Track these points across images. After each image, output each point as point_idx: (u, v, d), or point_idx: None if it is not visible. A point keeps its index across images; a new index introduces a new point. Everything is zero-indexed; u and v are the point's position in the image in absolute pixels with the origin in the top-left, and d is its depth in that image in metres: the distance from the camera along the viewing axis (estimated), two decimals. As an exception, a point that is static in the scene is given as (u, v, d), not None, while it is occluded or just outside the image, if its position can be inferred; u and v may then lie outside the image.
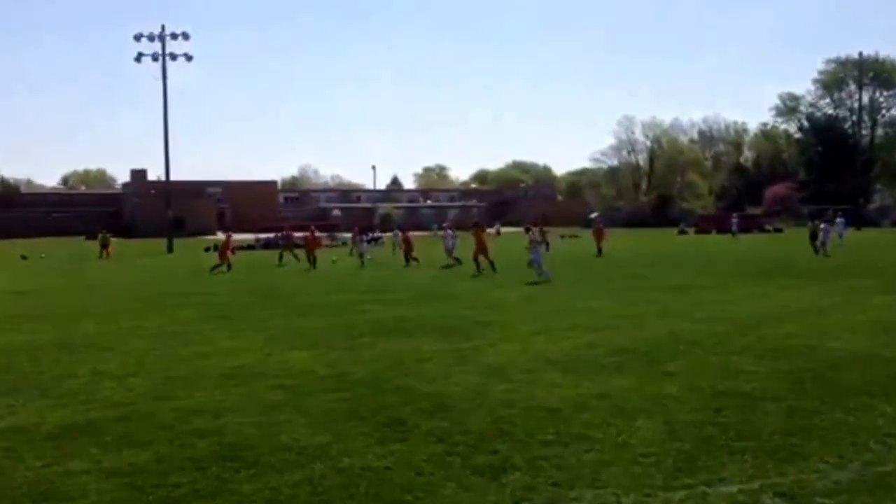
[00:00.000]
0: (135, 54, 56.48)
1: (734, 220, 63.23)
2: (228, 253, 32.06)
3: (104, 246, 45.46)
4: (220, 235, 32.44)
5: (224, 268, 30.91)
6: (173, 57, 56.70)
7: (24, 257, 45.28)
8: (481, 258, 27.53)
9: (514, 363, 10.70)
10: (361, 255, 35.82)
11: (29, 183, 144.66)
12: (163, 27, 56.53)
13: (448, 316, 16.00)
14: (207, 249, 46.81)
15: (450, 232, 34.61)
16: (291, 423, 7.75)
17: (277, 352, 11.94)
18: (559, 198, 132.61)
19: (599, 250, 38.02)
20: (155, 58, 56.44)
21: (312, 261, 33.24)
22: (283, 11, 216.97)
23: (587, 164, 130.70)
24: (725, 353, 11.21)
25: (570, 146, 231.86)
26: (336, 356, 11.43)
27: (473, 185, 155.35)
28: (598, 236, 39.47)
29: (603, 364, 10.56)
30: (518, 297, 19.36)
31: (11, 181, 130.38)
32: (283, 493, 5.93)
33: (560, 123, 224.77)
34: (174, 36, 56.46)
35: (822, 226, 36.34)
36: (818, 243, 35.18)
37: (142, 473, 6.37)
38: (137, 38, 56.24)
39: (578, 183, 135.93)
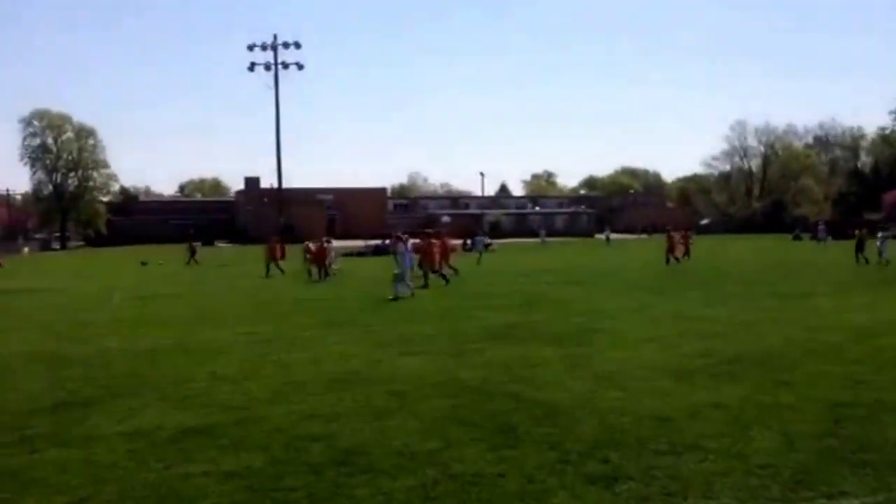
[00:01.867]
0: (248, 64, 58.35)
1: (820, 228, 61.53)
2: (311, 258, 31.97)
3: (192, 253, 47.07)
4: (310, 244, 32.19)
5: (322, 273, 31.02)
6: (285, 66, 58.33)
7: (143, 263, 47.24)
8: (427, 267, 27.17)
9: (626, 370, 10.49)
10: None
11: (147, 191, 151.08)
12: (275, 37, 58.30)
13: (558, 322, 15.86)
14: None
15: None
16: (403, 428, 7.78)
17: (387, 357, 12.04)
18: (669, 204, 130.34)
19: (667, 259, 36.63)
20: (267, 67, 58.18)
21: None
22: (393, 19, 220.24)
23: (698, 170, 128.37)
24: (843, 363, 10.76)
25: (680, 152, 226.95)
26: (445, 362, 11.44)
27: (582, 192, 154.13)
28: (671, 244, 37.77)
29: (716, 372, 10.26)
30: (629, 305, 19.03)
31: (131, 189, 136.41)
32: (396, 498, 5.95)
33: (670, 129, 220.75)
34: (286, 45, 58.12)
35: (879, 234, 35.13)
36: (868, 254, 33.75)
37: (258, 476, 6.49)
38: (251, 47, 58.12)
39: (688, 189, 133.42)
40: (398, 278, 22.61)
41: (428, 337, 14.15)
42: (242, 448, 7.26)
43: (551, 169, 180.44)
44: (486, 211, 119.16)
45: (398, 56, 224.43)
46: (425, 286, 25.18)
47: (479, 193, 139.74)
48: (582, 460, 6.68)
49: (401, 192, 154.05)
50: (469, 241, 74.23)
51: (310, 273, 31.76)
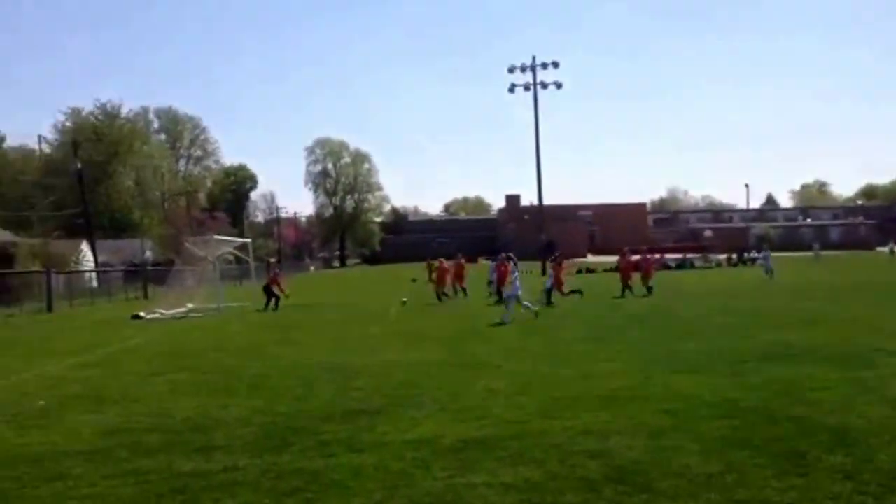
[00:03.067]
0: (508, 85, 59.98)
1: None
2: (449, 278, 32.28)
3: (431, 272, 48.44)
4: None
5: (459, 294, 31.10)
6: (544, 85, 59.22)
7: (413, 280, 49.69)
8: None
9: (928, 396, 9.56)
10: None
11: (416, 211, 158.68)
12: (533, 58, 59.38)
13: (841, 342, 14.72)
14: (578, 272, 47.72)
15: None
16: (681, 449, 7.59)
17: (658, 375, 11.80)
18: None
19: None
20: (527, 87, 59.39)
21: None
22: (646, 35, 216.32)
23: None
24: None
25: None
26: (721, 382, 11.02)
27: (859, 202, 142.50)
28: None
29: None
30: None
31: (401, 209, 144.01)
32: (678, 521, 5.82)
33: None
34: (544, 65, 58.99)
35: None
36: None
37: (537, 490, 6.60)
38: (511, 70, 59.63)
39: None
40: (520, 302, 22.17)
41: (700, 354, 13.70)
42: (520, 461, 7.41)
43: (822, 178, 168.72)
44: (751, 224, 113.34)
45: (653, 69, 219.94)
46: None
47: (743, 206, 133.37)
48: (882, 493, 6.16)
49: (661, 205, 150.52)
50: (734, 256, 71.09)
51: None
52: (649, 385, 11.06)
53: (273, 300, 31.33)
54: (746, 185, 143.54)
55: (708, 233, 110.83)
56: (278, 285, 32.04)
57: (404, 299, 31.22)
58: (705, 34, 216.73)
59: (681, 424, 8.57)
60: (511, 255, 24.72)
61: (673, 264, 66.99)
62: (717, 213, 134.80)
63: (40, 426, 9.75)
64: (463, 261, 34.20)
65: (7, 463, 7.96)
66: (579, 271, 54.61)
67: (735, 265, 68.04)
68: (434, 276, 34.63)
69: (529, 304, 22.36)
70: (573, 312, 23.63)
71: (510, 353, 15.12)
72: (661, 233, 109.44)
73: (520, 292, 22.04)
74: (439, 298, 30.43)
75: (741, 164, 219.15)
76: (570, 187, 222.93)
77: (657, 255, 32.67)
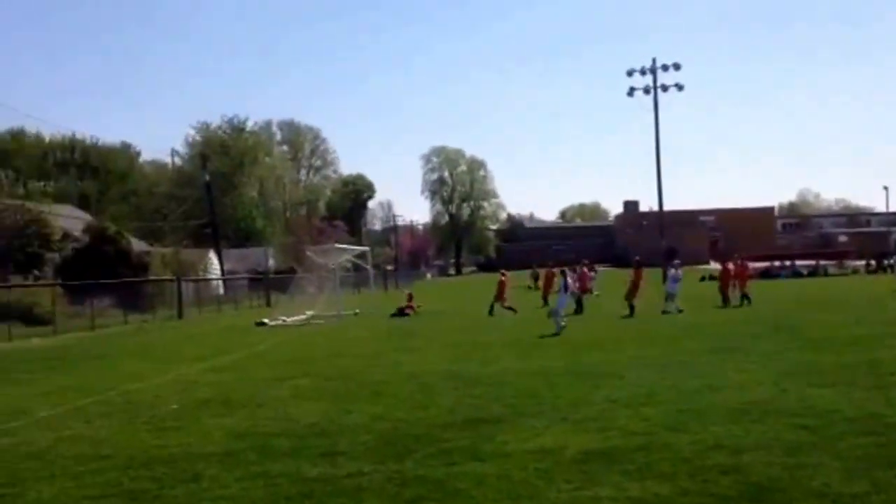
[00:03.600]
0: (627, 89, 58.83)
1: None
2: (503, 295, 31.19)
3: (536, 279, 47.86)
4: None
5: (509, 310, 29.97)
6: (664, 88, 57.87)
7: (529, 287, 49.47)
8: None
9: None
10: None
11: (531, 217, 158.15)
12: (653, 60, 58.06)
13: None
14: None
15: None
16: (822, 466, 7.17)
17: (794, 388, 11.24)
18: None
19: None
20: (647, 90, 58.14)
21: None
22: (772, 29, 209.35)
23: None
24: None
25: None
26: (863, 395, 10.41)
27: None
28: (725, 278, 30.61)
29: None
30: None
31: (517, 217, 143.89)
32: (822, 543, 5.49)
33: None
34: (665, 67, 57.64)
35: None
36: None
37: (668, 506, 6.38)
38: (630, 73, 58.49)
39: None
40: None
41: (838, 367, 13.01)
42: (647, 475, 7.16)
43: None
44: (892, 228, 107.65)
45: (780, 65, 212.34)
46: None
47: (882, 209, 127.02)
48: None
49: (790, 210, 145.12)
50: (872, 263, 67.58)
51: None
52: (784, 398, 10.55)
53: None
54: (885, 188, 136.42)
55: (843, 238, 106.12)
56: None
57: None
58: (836, 26, 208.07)
59: (820, 441, 8.12)
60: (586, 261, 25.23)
61: (804, 271, 64.43)
62: (853, 216, 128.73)
63: (175, 428, 10.11)
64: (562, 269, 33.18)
65: (146, 463, 8.26)
66: (702, 278, 53.12)
67: (874, 272, 64.65)
68: (540, 283, 34.31)
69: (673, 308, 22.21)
70: (695, 323, 22.95)
71: (632, 361, 14.78)
72: (790, 238, 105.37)
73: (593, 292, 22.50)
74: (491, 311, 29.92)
75: (879, 165, 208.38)
76: (690, 192, 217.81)
77: (748, 263, 30.42)
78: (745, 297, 29.58)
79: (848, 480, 6.73)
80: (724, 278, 30.80)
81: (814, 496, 6.40)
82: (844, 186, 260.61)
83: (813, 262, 68.35)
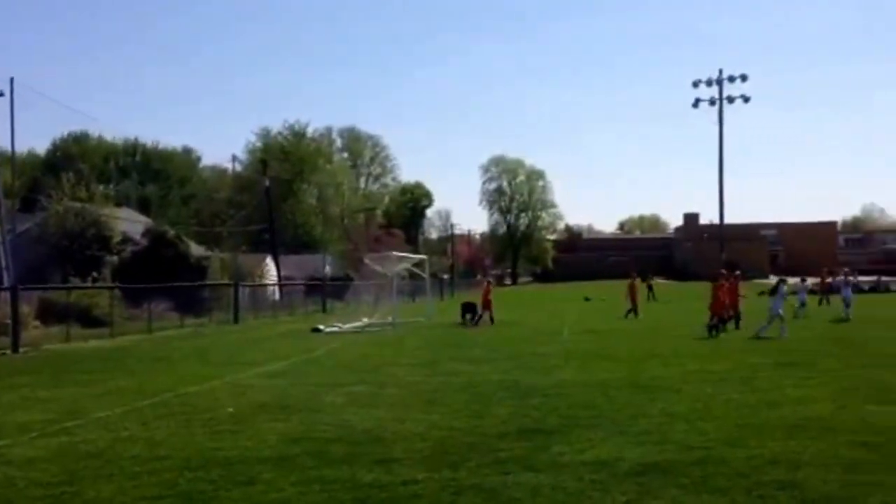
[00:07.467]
0: (692, 100, 58.16)
1: None
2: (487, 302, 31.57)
3: (651, 288, 47.36)
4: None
5: (486, 318, 30.64)
6: (731, 100, 57.08)
7: (587, 299, 49.17)
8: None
9: None
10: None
11: (589, 229, 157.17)
12: (720, 71, 57.33)
13: None
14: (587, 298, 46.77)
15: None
16: (882, 485, 7.04)
17: (853, 405, 11.05)
18: None
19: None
20: (712, 102, 57.41)
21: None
22: (837, 40, 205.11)
23: None
24: None
25: None
26: (925, 414, 10.22)
27: None
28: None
29: None
30: None
31: (575, 228, 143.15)
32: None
33: None
34: (731, 79, 56.85)
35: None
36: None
37: (727, 521, 6.32)
38: (695, 84, 57.84)
39: None
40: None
41: (902, 384, 12.77)
42: (704, 490, 7.10)
43: None
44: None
45: (845, 77, 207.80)
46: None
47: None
48: None
49: (854, 225, 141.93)
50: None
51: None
52: (843, 415, 10.38)
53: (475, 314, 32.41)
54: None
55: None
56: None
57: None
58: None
59: (880, 459, 7.98)
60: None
61: (866, 287, 62.92)
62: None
63: (231, 431, 10.27)
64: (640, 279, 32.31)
65: (202, 465, 8.42)
66: (762, 293, 52.16)
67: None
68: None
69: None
70: (757, 339, 22.57)
71: (692, 375, 14.65)
72: (852, 254, 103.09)
73: None
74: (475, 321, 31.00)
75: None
76: (752, 206, 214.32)
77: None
78: (727, 320, 25.43)
79: (907, 500, 6.62)
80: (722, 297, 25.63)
81: (875, 514, 6.31)
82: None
83: (874, 278, 66.72)
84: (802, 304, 31.08)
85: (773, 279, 76.70)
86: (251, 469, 8.19)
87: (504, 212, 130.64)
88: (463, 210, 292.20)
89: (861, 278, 65.93)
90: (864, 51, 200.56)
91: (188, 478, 7.92)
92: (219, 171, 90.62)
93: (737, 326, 25.11)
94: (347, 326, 32.07)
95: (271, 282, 54.06)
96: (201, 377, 15.99)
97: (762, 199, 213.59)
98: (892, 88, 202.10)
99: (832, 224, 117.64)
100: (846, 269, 31.31)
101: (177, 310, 34.54)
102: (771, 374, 14.63)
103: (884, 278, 67.72)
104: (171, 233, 44.86)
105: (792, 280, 29.81)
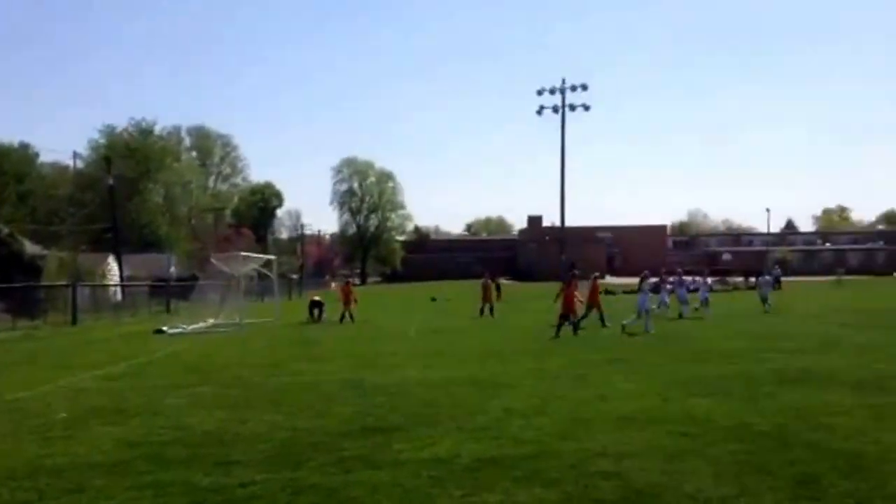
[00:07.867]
0: (536, 108, 59.91)
1: None
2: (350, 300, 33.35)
3: (499, 288, 48.51)
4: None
5: (347, 316, 32.44)
6: (572, 108, 59.11)
7: (433, 299, 49.79)
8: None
9: (946, 424, 9.53)
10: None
11: (437, 230, 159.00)
12: (563, 80, 59.27)
13: (858, 368, 14.72)
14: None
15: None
16: (696, 472, 7.61)
17: (676, 398, 11.80)
18: None
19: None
20: (555, 109, 59.29)
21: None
22: (673, 60, 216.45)
23: None
24: None
25: None
26: (736, 406, 11.02)
27: (880, 227, 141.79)
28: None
29: None
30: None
31: (423, 229, 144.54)
32: (689, 543, 5.86)
33: None
34: (573, 88, 58.92)
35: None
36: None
37: (551, 510, 6.67)
38: (539, 92, 59.60)
39: None
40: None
41: (717, 378, 13.67)
42: (535, 482, 7.46)
43: (845, 203, 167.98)
44: (770, 248, 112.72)
45: (676, 90, 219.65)
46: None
47: (763, 230, 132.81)
48: (896, 519, 6.19)
49: (681, 229, 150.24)
50: (752, 280, 70.19)
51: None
52: (666, 408, 11.07)
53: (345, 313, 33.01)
54: (767, 210, 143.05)
55: (726, 256, 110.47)
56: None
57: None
58: (731, 58, 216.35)
59: (696, 448, 8.60)
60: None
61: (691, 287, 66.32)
62: (737, 236, 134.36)
63: (63, 437, 9.90)
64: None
65: (29, 474, 8.09)
66: (602, 292, 54.40)
67: (753, 288, 67.41)
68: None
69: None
70: (592, 336, 23.59)
71: (529, 372, 15.15)
72: (679, 255, 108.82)
73: None
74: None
75: (763, 188, 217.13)
76: (591, 209, 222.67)
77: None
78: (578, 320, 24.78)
79: (718, 485, 7.19)
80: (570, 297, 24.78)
81: (686, 499, 6.82)
82: (731, 209, 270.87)
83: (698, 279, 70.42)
84: (685, 302, 32.31)
85: (609, 280, 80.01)
86: (82, 476, 7.95)
87: (354, 212, 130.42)
88: (314, 211, 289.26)
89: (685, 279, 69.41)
90: (696, 62, 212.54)
91: (12, 487, 7.62)
92: (59, 169, 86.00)
93: (602, 325, 25.97)
94: (192, 327, 31.23)
95: (113, 282, 51.84)
96: (32, 381, 15.25)
97: (602, 204, 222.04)
98: (714, 99, 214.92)
99: (662, 228, 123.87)
100: (679, 270, 33.01)
101: (9, 311, 32.67)
102: (603, 370, 15.33)
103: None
104: (5, 231, 42.30)
105: (653, 279, 31.05)
